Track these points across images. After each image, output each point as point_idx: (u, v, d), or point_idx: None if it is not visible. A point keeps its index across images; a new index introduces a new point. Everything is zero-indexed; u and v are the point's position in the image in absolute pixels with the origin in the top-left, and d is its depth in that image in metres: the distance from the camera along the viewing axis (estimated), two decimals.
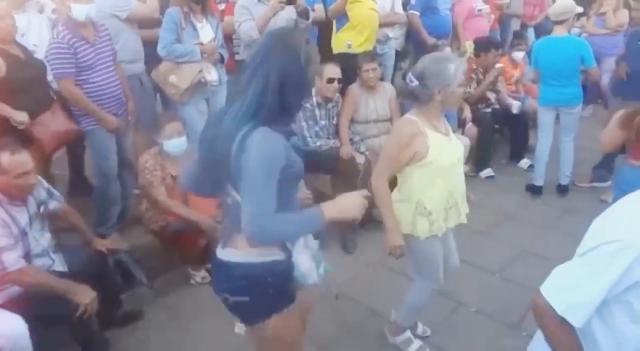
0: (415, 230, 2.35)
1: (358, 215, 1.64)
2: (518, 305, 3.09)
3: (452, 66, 2.19)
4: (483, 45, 5.09)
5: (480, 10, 5.77)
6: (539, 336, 1.41)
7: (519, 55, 5.59)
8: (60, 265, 2.61)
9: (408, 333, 2.78)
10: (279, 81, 1.55)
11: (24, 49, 3.13)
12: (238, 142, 1.53)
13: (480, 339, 2.87)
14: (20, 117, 2.92)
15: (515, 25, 6.72)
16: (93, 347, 2.64)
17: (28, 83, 2.98)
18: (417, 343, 2.75)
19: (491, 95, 5.24)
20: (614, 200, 2.64)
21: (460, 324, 3.01)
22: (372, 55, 4.13)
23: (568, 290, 1.23)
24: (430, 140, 2.25)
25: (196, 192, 1.95)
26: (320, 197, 3.79)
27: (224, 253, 1.72)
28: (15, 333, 2.22)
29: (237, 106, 1.60)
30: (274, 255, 1.67)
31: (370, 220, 3.94)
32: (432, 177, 2.29)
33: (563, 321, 1.23)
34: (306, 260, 1.68)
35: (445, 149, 2.29)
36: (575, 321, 1.21)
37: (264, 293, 1.68)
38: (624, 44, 4.98)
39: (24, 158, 2.37)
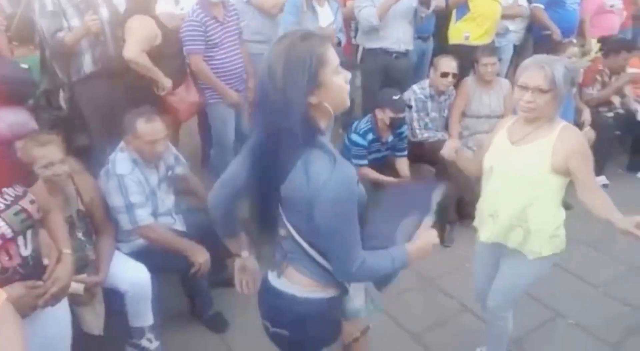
0: None
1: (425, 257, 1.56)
2: (620, 323, 2.96)
3: None
4: (612, 45, 4.75)
5: (612, 5, 5.37)
6: None
7: None
8: (180, 225, 2.85)
9: None
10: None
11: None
12: (304, 171, 1.31)
13: None
14: (167, 83, 3.17)
15: None
16: (200, 302, 2.88)
17: (171, 55, 3.22)
18: None
19: (615, 99, 4.90)
20: None
21: (556, 335, 2.91)
22: (492, 49, 4.03)
23: None
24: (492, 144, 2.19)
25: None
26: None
27: (278, 282, 1.56)
28: (139, 280, 2.46)
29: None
30: (331, 291, 1.54)
31: (467, 216, 3.97)
32: (484, 183, 2.22)
33: None
34: (361, 295, 1.63)
35: (493, 152, 2.16)
36: None
37: (311, 329, 1.55)
38: None
39: (157, 127, 2.57)
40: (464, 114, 4.05)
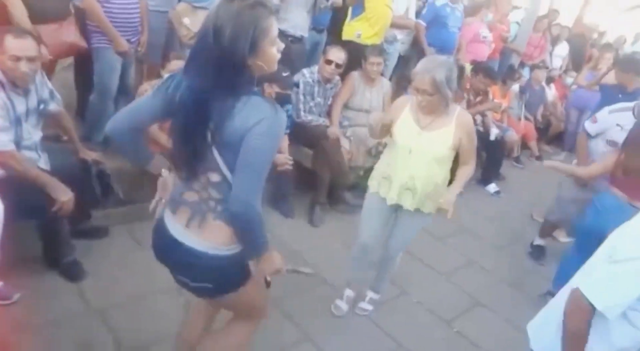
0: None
1: (272, 273, 1.74)
2: (455, 304, 3.37)
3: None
4: (480, 69, 5.33)
5: (484, 37, 6.05)
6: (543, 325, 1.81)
7: (514, 87, 5.88)
8: (44, 163, 2.68)
9: (347, 292, 3.10)
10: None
11: None
12: (246, 111, 1.44)
13: (414, 326, 3.07)
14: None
15: (514, 60, 7.03)
16: (57, 248, 2.72)
17: None
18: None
19: (477, 118, 5.49)
20: (583, 222, 3.02)
21: (400, 309, 3.21)
22: (380, 50, 4.29)
23: (609, 292, 1.51)
24: (400, 120, 2.56)
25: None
26: (298, 168, 4.02)
27: (186, 237, 1.62)
28: None
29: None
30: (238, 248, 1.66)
31: (337, 200, 4.22)
32: (392, 151, 2.64)
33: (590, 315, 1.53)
34: None
35: (407, 134, 2.53)
36: (612, 316, 1.51)
37: (229, 278, 1.70)
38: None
39: (25, 44, 2.40)
40: (346, 106, 4.28)
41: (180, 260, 1.65)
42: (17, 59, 2.37)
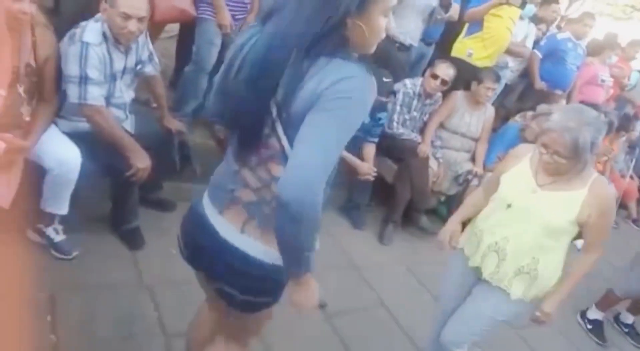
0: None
1: (308, 308, 1.31)
2: None
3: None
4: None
5: (603, 80, 5.55)
6: None
7: (622, 139, 5.36)
8: (129, 125, 2.63)
9: None
10: None
11: None
12: (322, 74, 1.11)
13: None
14: None
15: (628, 111, 6.44)
16: (123, 212, 2.66)
17: None
18: None
19: None
20: None
21: None
22: (498, 75, 4.01)
23: None
24: (515, 168, 2.05)
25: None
26: (378, 180, 3.81)
27: (242, 240, 1.30)
28: (68, 161, 2.24)
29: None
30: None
31: (415, 224, 3.95)
32: (493, 205, 2.09)
33: None
34: None
35: (517, 188, 2.00)
36: None
37: (273, 294, 1.40)
38: None
39: (138, 3, 2.32)
40: (441, 125, 4.01)
41: (231, 265, 1.31)
42: (127, 17, 2.30)
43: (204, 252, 1.38)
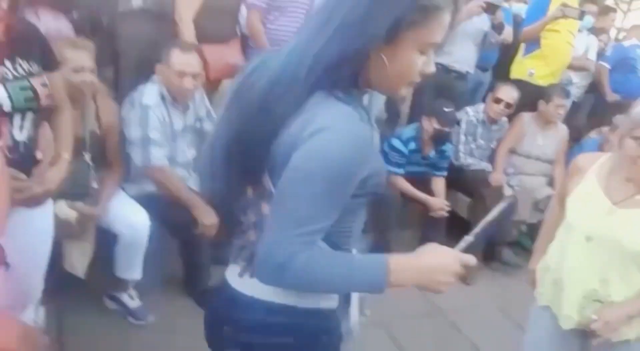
0: None
1: (444, 289, 1.03)
2: None
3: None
4: None
5: None
6: None
7: None
8: (194, 184, 2.60)
9: None
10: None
11: None
12: (308, 115, 0.94)
13: None
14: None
15: None
16: (195, 273, 2.60)
17: (222, 9, 3.01)
18: None
19: None
20: None
21: None
22: (566, 91, 3.78)
23: None
24: (580, 187, 1.68)
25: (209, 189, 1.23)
26: (452, 216, 3.61)
27: (245, 285, 1.10)
28: (137, 225, 2.23)
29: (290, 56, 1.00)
30: (325, 298, 1.09)
31: (493, 258, 3.68)
32: (563, 238, 1.72)
33: None
34: (355, 310, 1.17)
35: (589, 211, 1.64)
36: None
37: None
38: None
39: (190, 59, 2.36)
40: (513, 151, 3.79)
41: (231, 307, 1.13)
42: (182, 74, 2.33)
43: (219, 311, 1.19)
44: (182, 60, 2.33)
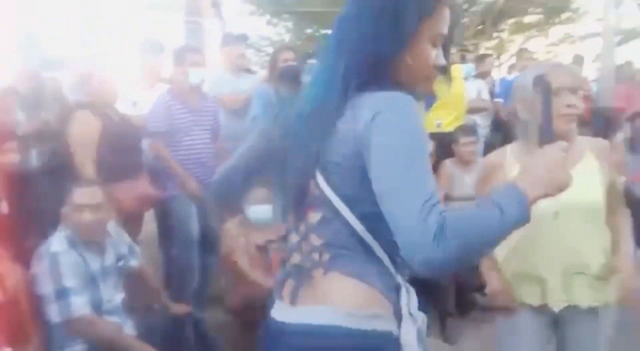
0: None
1: (570, 181, 0.99)
2: None
3: None
4: None
5: None
6: None
7: None
8: (130, 329, 2.31)
9: None
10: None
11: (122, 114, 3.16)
12: (352, 111, 1.01)
13: None
14: None
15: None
16: None
17: (125, 147, 2.94)
18: None
19: None
20: None
21: None
22: (470, 128, 3.91)
23: None
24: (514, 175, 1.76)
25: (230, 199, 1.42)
26: (414, 280, 3.42)
27: (295, 314, 1.06)
28: None
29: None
30: (378, 317, 1.04)
31: (467, 306, 3.51)
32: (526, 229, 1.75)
33: None
34: (413, 336, 1.09)
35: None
36: None
37: None
38: None
39: (91, 192, 2.25)
40: (449, 198, 3.79)
41: (282, 344, 1.06)
42: (82, 208, 2.17)
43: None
44: (80, 194, 2.20)
